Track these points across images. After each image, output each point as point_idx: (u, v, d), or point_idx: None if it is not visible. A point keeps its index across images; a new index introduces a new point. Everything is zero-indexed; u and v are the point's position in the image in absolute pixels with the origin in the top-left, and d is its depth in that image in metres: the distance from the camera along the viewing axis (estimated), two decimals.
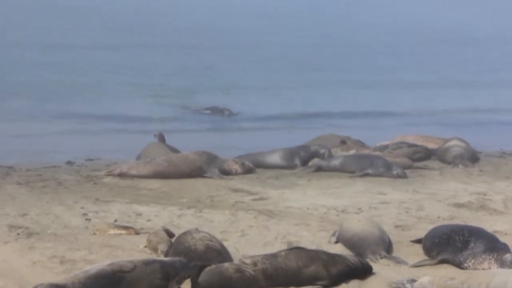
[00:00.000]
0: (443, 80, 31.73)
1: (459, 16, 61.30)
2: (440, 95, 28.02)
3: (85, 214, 11.55)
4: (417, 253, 9.69)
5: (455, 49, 42.12)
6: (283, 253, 8.47)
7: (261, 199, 13.00)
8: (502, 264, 8.71)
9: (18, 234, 10.30)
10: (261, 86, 28.97)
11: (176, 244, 9.14)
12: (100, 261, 8.50)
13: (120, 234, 10.31)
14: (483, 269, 8.71)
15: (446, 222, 10.90)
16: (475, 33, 50.53)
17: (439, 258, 9.23)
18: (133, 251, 9.55)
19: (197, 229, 9.53)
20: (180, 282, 8.00)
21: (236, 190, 13.68)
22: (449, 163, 16.35)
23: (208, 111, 23.74)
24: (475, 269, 8.79)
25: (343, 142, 17.16)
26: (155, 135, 17.10)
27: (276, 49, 40.42)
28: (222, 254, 8.82)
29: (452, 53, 40.80)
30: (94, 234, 10.36)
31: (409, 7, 69.05)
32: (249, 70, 32.96)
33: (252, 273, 8.15)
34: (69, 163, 16.22)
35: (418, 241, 10.02)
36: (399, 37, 47.86)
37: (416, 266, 9.16)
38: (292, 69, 33.88)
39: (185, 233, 9.22)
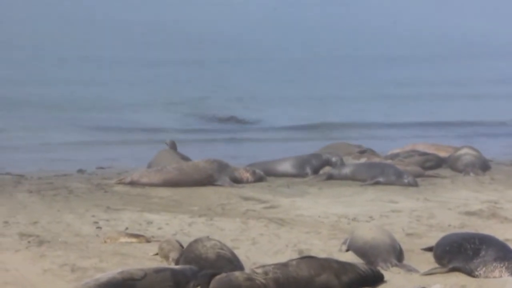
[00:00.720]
0: (458, 91, 31.61)
1: (477, 26, 60.90)
2: (452, 106, 27.97)
3: (96, 222, 11.58)
4: (428, 261, 9.66)
5: (472, 60, 41.94)
6: (294, 262, 8.45)
7: (272, 207, 12.99)
8: None
9: (29, 242, 10.32)
10: (274, 97, 29.00)
11: (187, 252, 9.13)
12: (111, 269, 8.52)
13: (131, 242, 10.32)
14: (494, 277, 8.68)
15: (457, 230, 10.88)
16: (493, 44, 50.22)
17: (450, 266, 9.19)
18: (144, 259, 9.56)
19: (208, 237, 9.54)
20: None
21: (247, 198, 13.68)
22: (460, 171, 16.31)
23: (223, 121, 23.75)
24: (486, 277, 8.76)
25: (362, 151, 17.12)
26: (166, 143, 17.14)
27: (284, 59, 40.46)
28: (233, 263, 8.82)
29: (468, 63, 40.65)
30: (105, 242, 10.38)
31: (425, 16, 68.77)
32: (261, 81, 33.01)
33: (263, 281, 8.13)
34: (80, 171, 16.27)
35: (429, 249, 9.99)
36: (410, 47, 47.81)
37: (427, 274, 9.13)
38: (303, 80, 33.91)
39: (196, 241, 9.22)
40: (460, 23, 62.11)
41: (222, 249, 9.00)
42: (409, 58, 42.23)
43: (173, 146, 17.04)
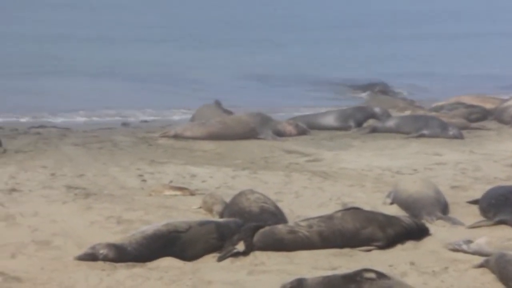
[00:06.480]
0: None
1: None
2: None
3: (140, 175, 11.67)
4: (474, 214, 9.57)
5: None
6: (339, 214, 8.42)
7: (315, 160, 12.97)
8: None
9: (75, 194, 10.43)
10: None
11: (231, 205, 9.16)
12: (156, 222, 8.58)
13: (175, 195, 10.39)
14: None
15: (503, 183, 10.75)
16: None
17: (496, 219, 9.11)
18: (188, 212, 9.61)
19: (251, 190, 9.54)
20: (235, 243, 8.02)
21: (290, 152, 13.67)
22: (506, 123, 16.11)
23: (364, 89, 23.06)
24: None
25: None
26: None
27: None
28: (276, 216, 8.82)
29: None
30: (150, 195, 10.46)
31: None
32: None
33: (307, 233, 8.14)
34: (124, 124, 16.39)
35: (475, 202, 9.90)
36: None
37: (472, 227, 9.06)
38: None
39: (239, 194, 9.24)
40: None
41: (265, 202, 9.00)
42: None
43: (217, 102, 17.08)
